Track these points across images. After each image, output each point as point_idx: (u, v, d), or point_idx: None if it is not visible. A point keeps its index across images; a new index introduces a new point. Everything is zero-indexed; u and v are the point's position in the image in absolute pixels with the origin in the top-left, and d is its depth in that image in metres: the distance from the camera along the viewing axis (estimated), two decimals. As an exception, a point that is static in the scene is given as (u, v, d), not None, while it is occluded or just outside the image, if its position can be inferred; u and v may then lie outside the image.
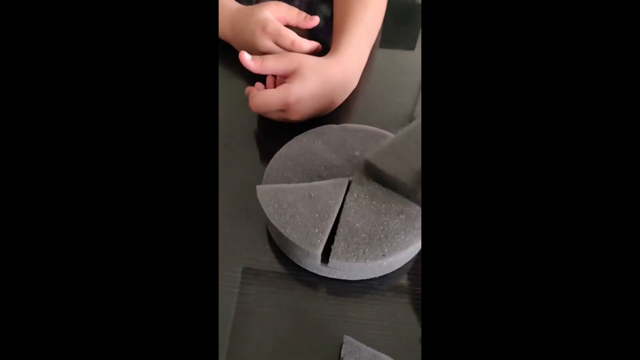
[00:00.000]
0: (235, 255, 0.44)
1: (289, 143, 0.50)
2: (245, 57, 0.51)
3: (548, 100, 0.23)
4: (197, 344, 0.24)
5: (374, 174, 0.45)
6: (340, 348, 0.38)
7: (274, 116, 0.52)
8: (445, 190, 0.24)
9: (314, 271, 0.43)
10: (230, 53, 0.60)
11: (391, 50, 0.68)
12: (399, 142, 0.46)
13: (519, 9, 0.24)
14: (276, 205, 0.42)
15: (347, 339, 0.38)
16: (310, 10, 0.67)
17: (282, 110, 0.51)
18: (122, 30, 0.25)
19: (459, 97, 0.24)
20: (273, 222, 0.41)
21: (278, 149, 0.49)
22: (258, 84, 0.54)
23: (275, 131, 0.54)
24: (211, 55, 0.26)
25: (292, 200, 0.43)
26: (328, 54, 0.55)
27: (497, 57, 0.24)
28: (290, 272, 0.43)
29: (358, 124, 0.52)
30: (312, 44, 0.57)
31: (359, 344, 0.37)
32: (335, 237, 0.41)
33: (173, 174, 0.25)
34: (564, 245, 0.23)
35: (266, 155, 0.50)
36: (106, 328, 0.24)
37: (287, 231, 0.41)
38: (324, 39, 0.62)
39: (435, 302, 0.24)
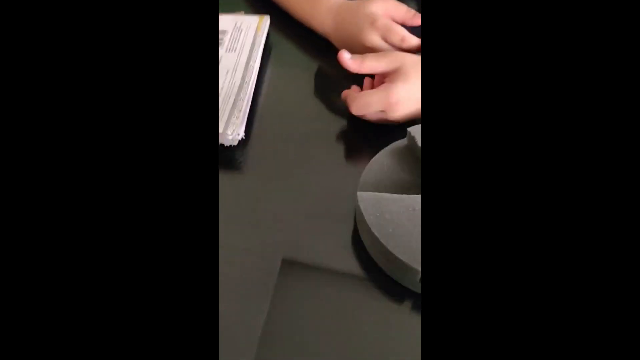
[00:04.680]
0: (326, 259, 0.43)
1: (386, 149, 0.48)
2: (345, 57, 0.50)
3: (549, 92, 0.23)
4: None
5: None
6: None
7: (373, 117, 0.51)
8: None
9: (408, 286, 0.41)
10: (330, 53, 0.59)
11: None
12: None
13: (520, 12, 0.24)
14: (378, 214, 0.41)
15: None
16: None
17: (382, 111, 0.49)
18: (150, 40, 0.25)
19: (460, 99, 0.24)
20: (375, 232, 0.40)
21: (372, 154, 0.47)
22: (354, 87, 0.53)
23: (369, 136, 0.52)
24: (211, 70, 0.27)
25: (395, 211, 0.41)
26: None
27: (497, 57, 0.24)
28: (388, 282, 0.42)
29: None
30: (420, 41, 0.55)
31: None
32: (441, 256, 0.39)
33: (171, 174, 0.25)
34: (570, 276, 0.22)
35: (358, 159, 0.49)
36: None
37: (390, 244, 0.39)
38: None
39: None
